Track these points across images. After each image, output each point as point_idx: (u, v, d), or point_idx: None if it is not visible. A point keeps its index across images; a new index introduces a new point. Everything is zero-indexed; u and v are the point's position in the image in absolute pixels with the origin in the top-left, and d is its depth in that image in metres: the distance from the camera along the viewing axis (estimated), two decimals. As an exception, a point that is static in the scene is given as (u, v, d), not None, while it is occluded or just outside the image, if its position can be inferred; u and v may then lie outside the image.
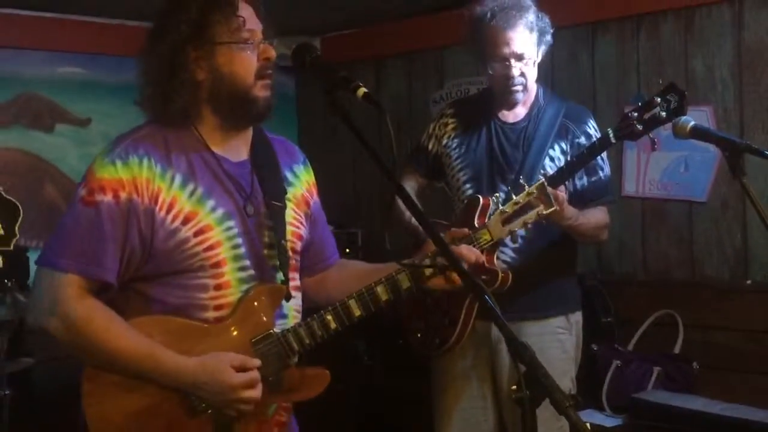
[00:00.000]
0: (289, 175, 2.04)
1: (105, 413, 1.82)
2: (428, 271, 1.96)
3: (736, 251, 3.42)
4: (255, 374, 1.83)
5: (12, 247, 1.90)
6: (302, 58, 1.82)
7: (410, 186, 2.96)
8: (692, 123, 2.31)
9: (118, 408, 1.82)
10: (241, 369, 1.82)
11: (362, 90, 1.69)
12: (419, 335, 2.84)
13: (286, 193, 1.99)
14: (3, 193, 1.89)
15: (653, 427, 3.10)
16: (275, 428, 1.96)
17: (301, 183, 2.08)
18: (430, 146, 2.95)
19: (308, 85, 4.92)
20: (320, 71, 1.81)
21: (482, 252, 2.24)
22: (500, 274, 2.53)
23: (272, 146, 2.04)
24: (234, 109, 1.89)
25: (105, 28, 4.23)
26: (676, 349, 3.46)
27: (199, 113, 1.90)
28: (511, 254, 2.72)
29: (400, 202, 2.68)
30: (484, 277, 2.52)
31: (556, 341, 2.78)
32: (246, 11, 1.87)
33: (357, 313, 1.93)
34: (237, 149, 1.95)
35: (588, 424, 1.42)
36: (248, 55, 1.86)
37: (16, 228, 1.89)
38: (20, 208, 1.90)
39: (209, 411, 1.83)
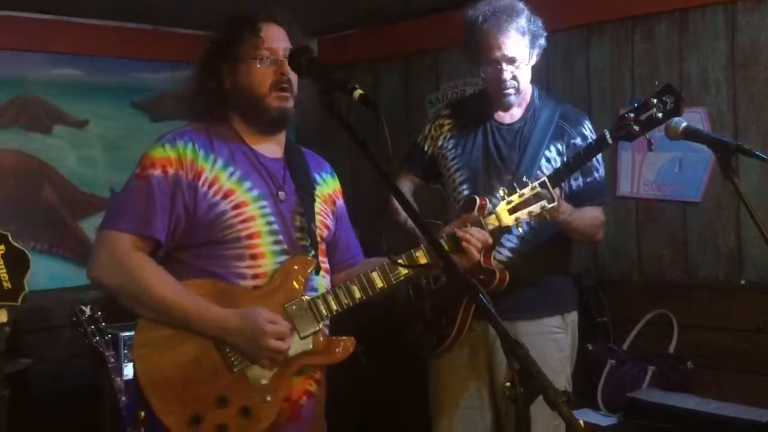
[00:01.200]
0: (317, 177, 2.31)
1: (153, 363, 2.04)
2: (448, 245, 2.25)
3: (730, 251, 3.43)
4: (285, 328, 2.05)
5: (20, 302, 1.87)
6: (299, 61, 1.88)
7: (406, 187, 2.98)
8: (684, 124, 2.33)
9: (165, 359, 2.04)
10: (273, 323, 2.04)
11: (358, 92, 1.73)
12: (417, 335, 2.86)
13: (314, 190, 2.25)
14: (11, 239, 1.85)
15: (648, 426, 3.11)
16: (303, 395, 2.14)
17: (328, 185, 2.35)
18: (426, 147, 2.97)
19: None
20: (317, 73, 1.85)
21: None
22: (497, 274, 2.56)
23: (303, 154, 2.31)
24: (252, 115, 2.16)
25: (103, 30, 4.22)
26: (671, 349, 3.47)
27: (231, 116, 2.19)
28: (508, 254, 2.74)
29: (395, 203, 2.71)
30: (481, 276, 2.55)
31: (552, 341, 2.79)
32: (273, 32, 2.16)
33: (379, 284, 2.17)
34: (271, 148, 2.22)
35: (582, 422, 1.44)
36: (264, 69, 2.13)
37: (25, 281, 1.87)
38: (29, 257, 1.88)
39: (243, 367, 2.04)
